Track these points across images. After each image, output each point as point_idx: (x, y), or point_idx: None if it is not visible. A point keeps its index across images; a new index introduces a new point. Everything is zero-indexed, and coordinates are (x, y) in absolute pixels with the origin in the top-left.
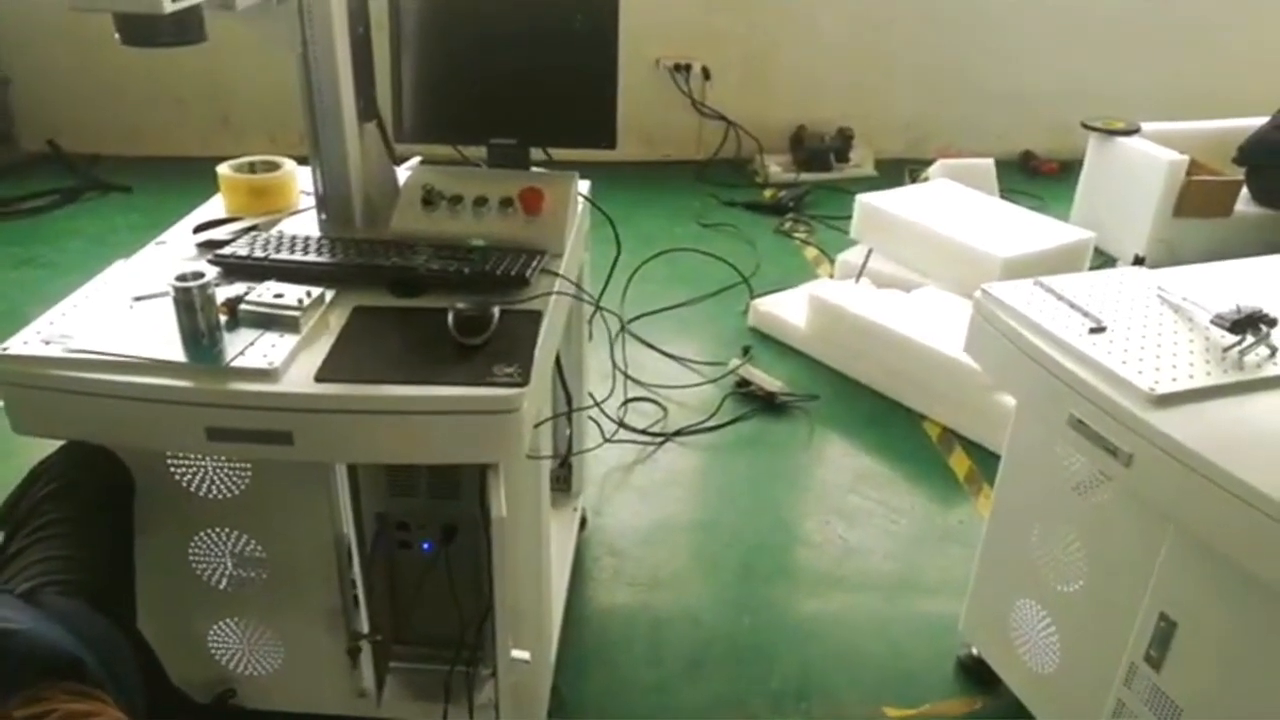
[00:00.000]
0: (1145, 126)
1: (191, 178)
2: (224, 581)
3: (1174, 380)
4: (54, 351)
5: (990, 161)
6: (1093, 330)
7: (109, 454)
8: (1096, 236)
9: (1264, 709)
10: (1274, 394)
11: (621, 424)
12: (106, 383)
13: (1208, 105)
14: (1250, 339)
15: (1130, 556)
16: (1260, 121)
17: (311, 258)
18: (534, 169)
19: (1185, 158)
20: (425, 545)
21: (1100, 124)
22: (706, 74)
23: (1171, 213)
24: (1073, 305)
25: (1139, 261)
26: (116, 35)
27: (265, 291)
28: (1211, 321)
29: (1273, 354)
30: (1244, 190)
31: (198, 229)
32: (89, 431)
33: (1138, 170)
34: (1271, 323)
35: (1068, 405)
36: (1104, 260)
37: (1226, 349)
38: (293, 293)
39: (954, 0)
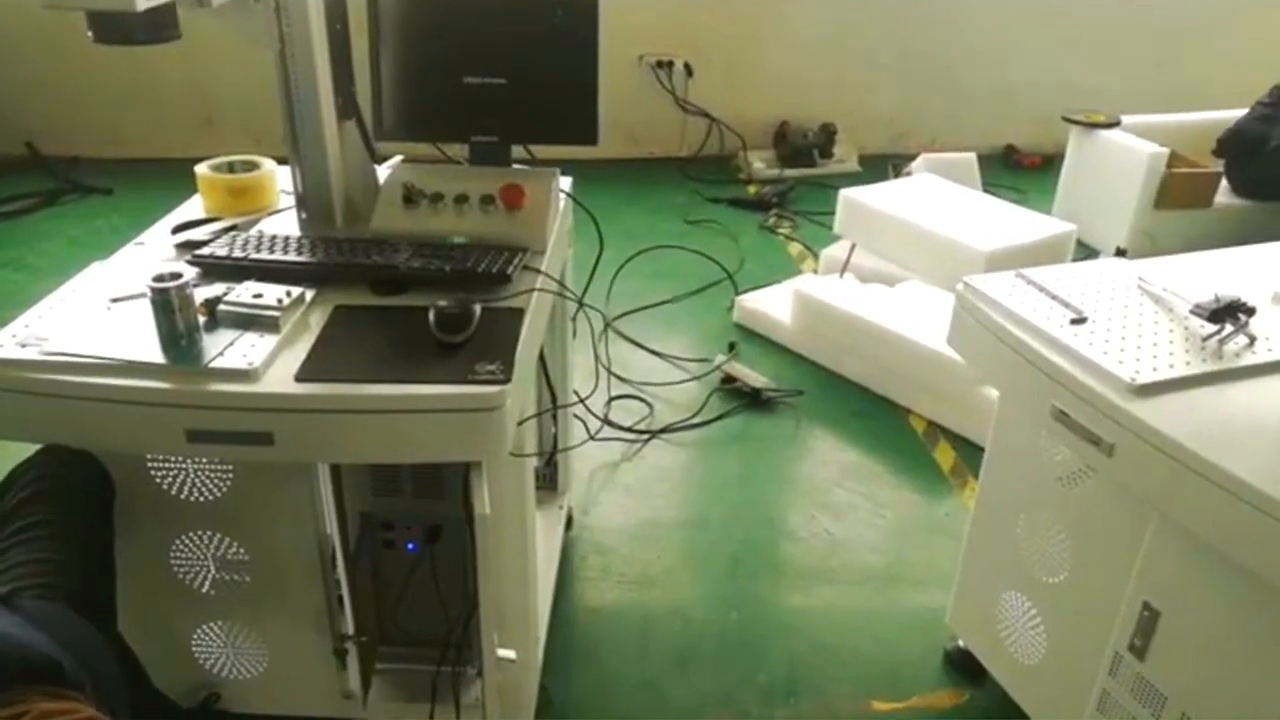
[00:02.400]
0: (1126, 119)
1: (174, 179)
2: (207, 585)
3: (1154, 370)
4: (30, 354)
5: (972, 155)
6: (1074, 321)
7: (88, 457)
8: (1078, 229)
9: (1247, 695)
10: (1252, 382)
11: (607, 421)
12: (84, 385)
13: (1187, 98)
14: (1229, 328)
15: (1114, 546)
16: (1239, 113)
17: (291, 257)
18: (516, 166)
19: (1165, 150)
20: (410, 545)
21: (1081, 117)
22: (689, 70)
23: (1152, 205)
24: (1054, 297)
25: (1121, 253)
26: (89, 33)
27: (244, 291)
28: (1191, 311)
29: (1251, 343)
30: (1224, 182)
31: (176, 229)
32: (67, 435)
33: (1119, 163)
34: (1250, 312)
35: (1050, 396)
36: (1086, 253)
37: (1206, 338)
38: (272, 292)
39: None
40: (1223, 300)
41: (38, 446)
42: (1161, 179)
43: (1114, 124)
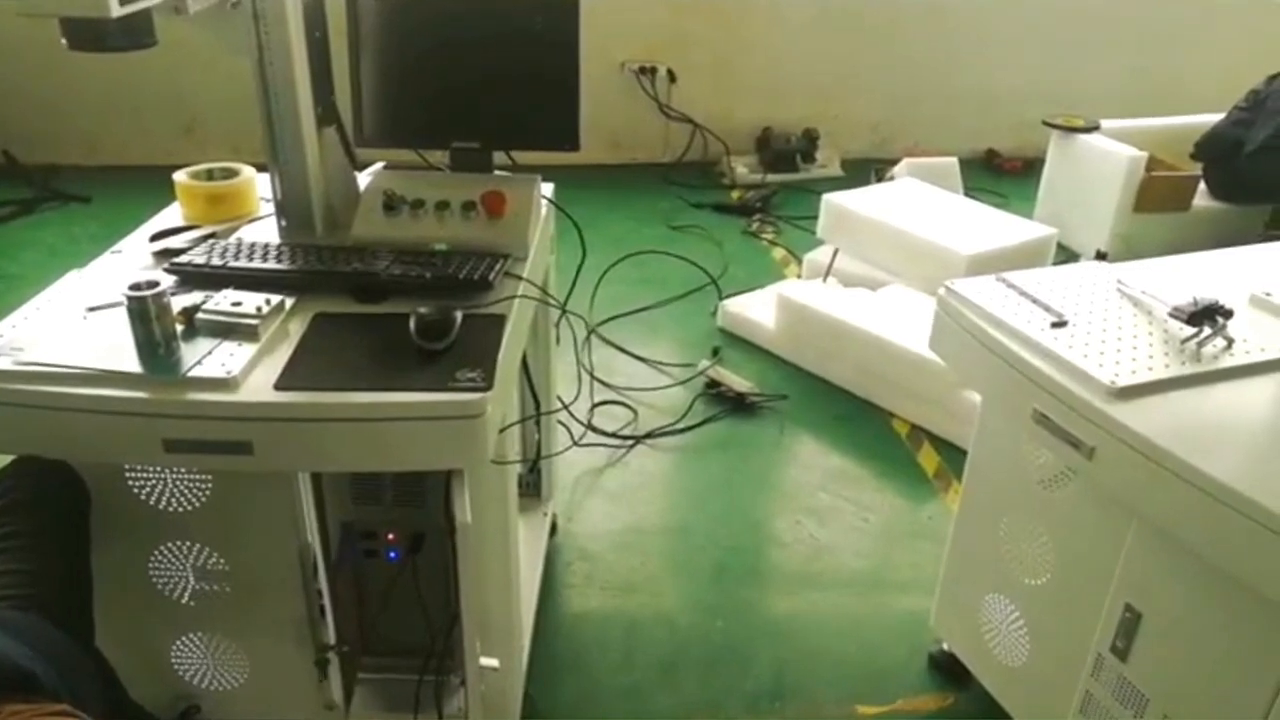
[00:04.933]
0: (1105, 124)
1: (153, 187)
2: (186, 596)
3: (1134, 373)
4: (4, 364)
5: (954, 160)
6: (1054, 325)
7: (64, 467)
8: (1059, 233)
9: (1227, 696)
10: (1231, 384)
11: (591, 427)
12: (60, 395)
13: (1165, 102)
14: (1207, 330)
15: (1096, 549)
16: (1216, 117)
17: (271, 265)
18: (497, 173)
19: (1144, 154)
20: (392, 554)
21: (1061, 122)
22: (672, 76)
23: (1132, 208)
24: (1034, 300)
25: (1101, 257)
26: (63, 40)
27: (223, 299)
28: (1170, 314)
29: (1229, 345)
30: (1201, 185)
31: (154, 237)
32: (42, 446)
33: (1098, 167)
34: (1227, 314)
35: (1031, 400)
36: (1067, 256)
37: (1185, 341)
38: (251, 300)
39: (919, 1)
40: (1201, 303)
41: (11, 457)
42: (1140, 183)
43: (1093, 128)
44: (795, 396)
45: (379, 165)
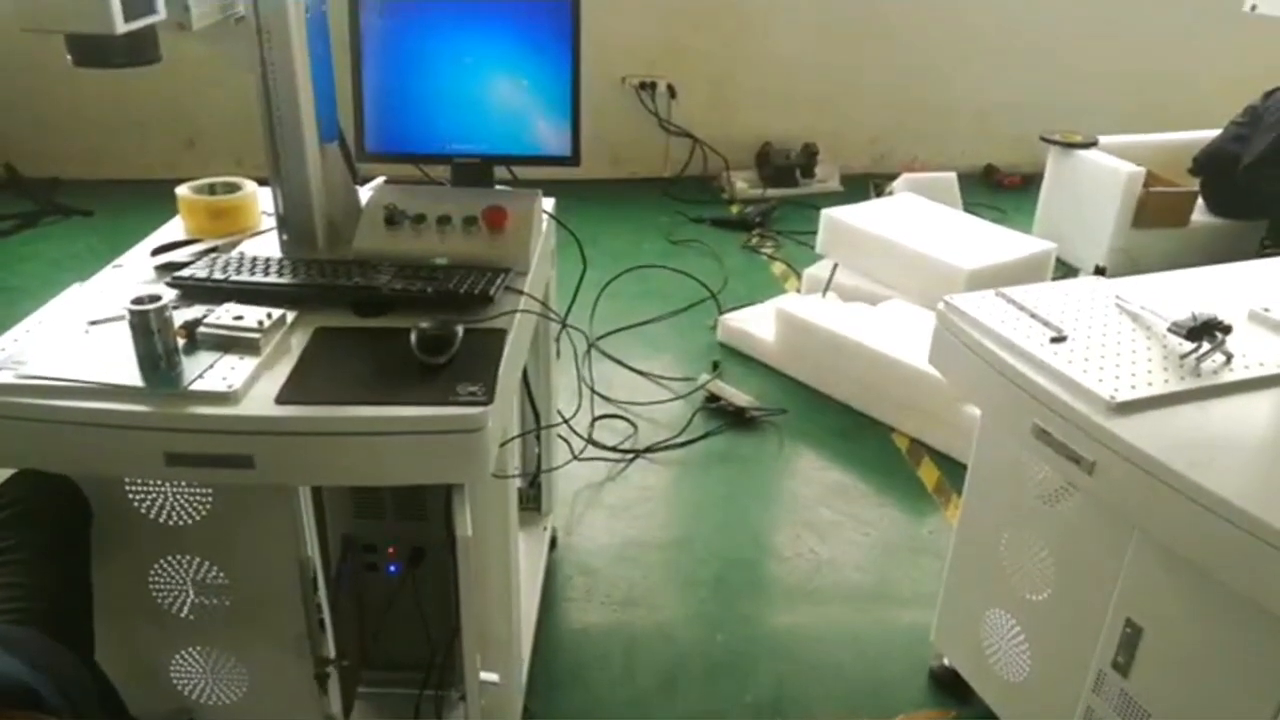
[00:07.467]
0: (1103, 139)
1: (155, 201)
2: (186, 609)
3: (1133, 388)
4: (6, 378)
5: (953, 175)
6: (1053, 340)
7: (65, 480)
8: (1058, 248)
9: (1229, 711)
10: (1230, 399)
11: (591, 441)
12: (61, 409)
13: (1163, 118)
14: (1206, 346)
15: (1096, 564)
16: (1215, 133)
17: (272, 279)
18: (498, 187)
19: (1142, 169)
20: (392, 567)
21: (1059, 137)
22: (672, 92)
23: (1130, 223)
24: (1033, 315)
25: (1100, 272)
26: (69, 56)
27: (225, 314)
28: (1169, 329)
29: (1228, 360)
30: (1200, 200)
31: (156, 251)
32: (43, 459)
33: (1097, 182)
34: (1226, 329)
35: (1030, 415)
36: (1066, 271)
37: (1184, 356)
38: (253, 314)
39: (917, 17)
40: (1200, 318)
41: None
42: (1139, 198)
43: (1091, 144)
44: (795, 411)
45: (380, 180)
